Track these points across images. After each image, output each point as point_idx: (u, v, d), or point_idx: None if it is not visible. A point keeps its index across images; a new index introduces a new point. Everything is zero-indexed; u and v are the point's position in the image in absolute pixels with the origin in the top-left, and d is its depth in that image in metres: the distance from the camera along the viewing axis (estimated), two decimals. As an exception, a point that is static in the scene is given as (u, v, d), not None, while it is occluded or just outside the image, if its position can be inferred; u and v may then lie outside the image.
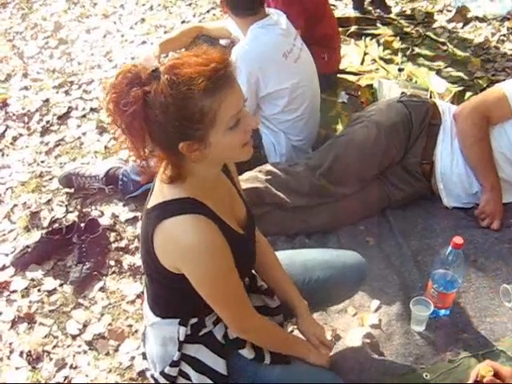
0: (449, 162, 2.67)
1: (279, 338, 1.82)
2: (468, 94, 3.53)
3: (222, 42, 3.25)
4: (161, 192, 1.53)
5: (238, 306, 1.64)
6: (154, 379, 1.78)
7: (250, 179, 2.63)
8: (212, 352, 1.71)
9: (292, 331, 2.23)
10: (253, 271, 1.88)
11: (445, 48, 4.09)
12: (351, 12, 4.64)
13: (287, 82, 2.78)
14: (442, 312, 2.27)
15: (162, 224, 1.45)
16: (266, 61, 2.70)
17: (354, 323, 2.33)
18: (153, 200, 1.54)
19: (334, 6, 4.76)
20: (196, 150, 1.40)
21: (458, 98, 3.48)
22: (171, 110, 1.33)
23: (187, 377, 1.72)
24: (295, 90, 2.82)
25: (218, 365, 1.71)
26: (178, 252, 1.47)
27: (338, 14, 4.56)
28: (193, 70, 1.33)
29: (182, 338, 1.67)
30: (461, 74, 3.77)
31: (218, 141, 1.40)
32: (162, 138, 1.39)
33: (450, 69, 3.85)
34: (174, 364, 1.69)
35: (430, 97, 3.44)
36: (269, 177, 2.65)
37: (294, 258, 2.05)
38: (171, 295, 1.64)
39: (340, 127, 3.35)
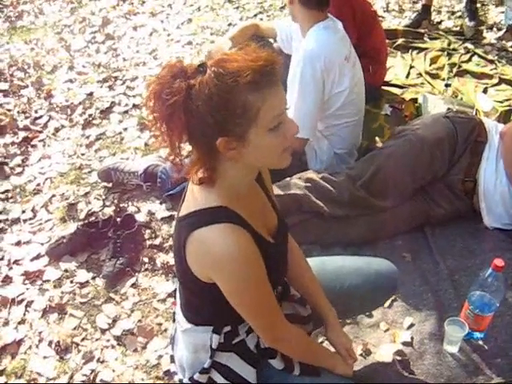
0: (493, 180, 2.62)
1: (309, 349, 1.79)
2: (515, 113, 3.47)
3: (275, 45, 3.26)
4: (193, 199, 1.51)
5: (269, 315, 1.61)
6: None
7: (289, 185, 2.62)
8: (243, 361, 1.69)
9: (322, 342, 2.20)
10: (286, 280, 1.85)
11: (493, 66, 4.02)
12: (405, 22, 4.63)
13: (346, 85, 2.76)
14: (477, 335, 2.23)
15: (194, 233, 1.43)
16: (331, 62, 2.67)
17: (385, 339, 2.30)
18: (184, 208, 1.52)
19: (382, 17, 4.74)
20: (233, 148, 1.38)
21: (504, 118, 3.41)
22: (214, 100, 1.31)
23: None
24: (349, 95, 2.79)
25: (249, 374, 1.69)
26: (210, 261, 1.45)
27: (385, 25, 4.53)
28: (240, 64, 1.31)
29: (214, 346, 1.64)
30: (508, 93, 3.70)
31: (257, 141, 1.38)
32: (201, 131, 1.36)
33: (497, 87, 3.77)
34: (204, 371, 1.67)
35: (476, 114, 3.38)
36: (308, 184, 2.63)
37: (325, 265, 2.03)
38: (204, 303, 1.62)
39: (382, 139, 3.32)
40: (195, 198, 1.50)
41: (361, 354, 2.24)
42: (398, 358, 2.21)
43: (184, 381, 1.75)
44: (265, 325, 1.62)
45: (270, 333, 1.64)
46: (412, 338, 2.28)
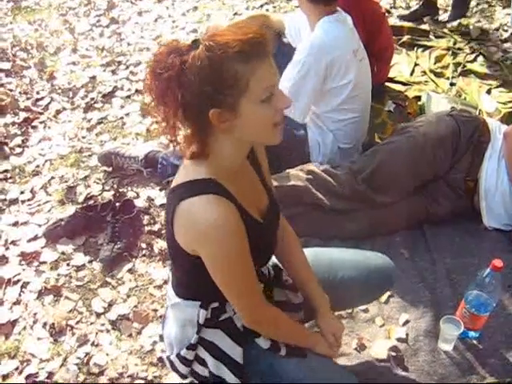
0: (494, 180, 2.63)
1: (288, 329, 1.77)
2: (518, 115, 3.46)
3: (284, 39, 3.24)
4: (183, 172, 1.54)
5: (249, 293, 1.61)
6: (170, 362, 1.78)
7: (290, 177, 2.62)
8: (229, 338, 1.69)
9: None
10: (279, 265, 1.87)
11: (497, 67, 4.02)
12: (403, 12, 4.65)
13: (350, 78, 2.75)
14: (472, 334, 2.23)
15: (181, 204, 1.45)
16: (337, 54, 2.67)
17: (380, 334, 2.30)
18: (176, 180, 1.55)
19: (388, 12, 4.71)
20: (226, 120, 1.41)
21: (507, 119, 3.41)
22: (206, 72, 1.35)
23: (203, 363, 1.72)
24: (354, 90, 2.78)
25: (235, 352, 1.69)
26: (194, 232, 1.46)
27: (391, 21, 4.51)
28: (230, 36, 1.36)
29: (201, 321, 1.66)
30: (512, 94, 3.70)
31: (248, 113, 1.41)
32: (194, 105, 1.39)
33: (501, 89, 3.77)
34: (190, 347, 1.69)
35: (479, 115, 3.38)
36: (310, 176, 2.63)
37: (319, 255, 2.02)
38: (192, 278, 1.64)
39: (384, 135, 3.32)
40: (186, 171, 1.54)
41: (355, 349, 2.24)
42: (393, 353, 2.21)
43: (171, 357, 1.75)
44: (245, 304, 1.62)
45: (251, 312, 1.65)
46: (407, 335, 2.28)
